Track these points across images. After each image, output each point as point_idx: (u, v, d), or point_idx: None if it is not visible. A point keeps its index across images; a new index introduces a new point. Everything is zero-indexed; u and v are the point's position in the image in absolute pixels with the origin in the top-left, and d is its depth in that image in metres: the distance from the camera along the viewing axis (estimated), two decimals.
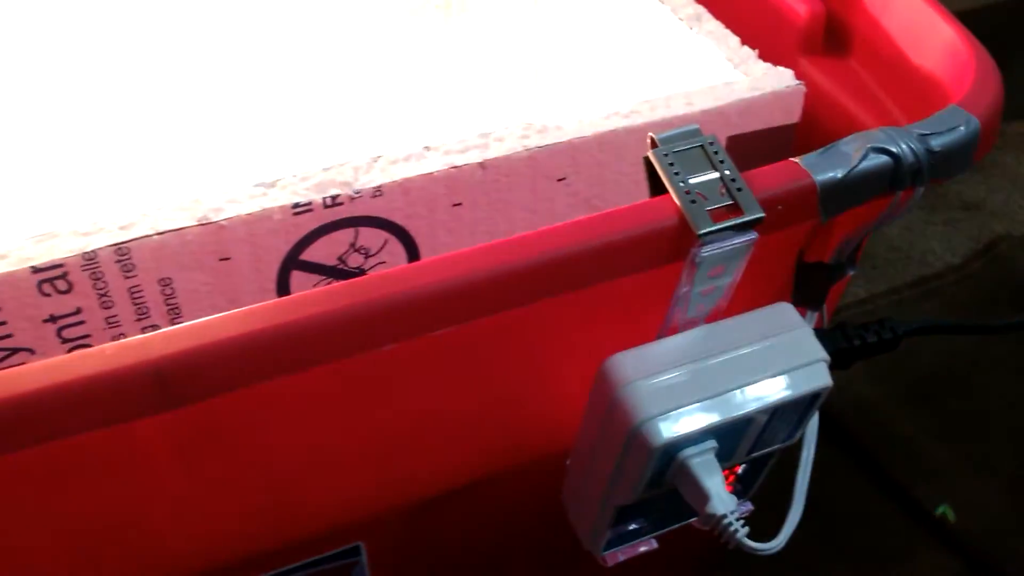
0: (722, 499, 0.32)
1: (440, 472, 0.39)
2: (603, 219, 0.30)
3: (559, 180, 0.40)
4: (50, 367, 0.27)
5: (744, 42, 0.46)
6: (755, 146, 0.42)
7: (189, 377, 0.27)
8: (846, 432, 0.70)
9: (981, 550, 0.64)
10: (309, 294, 0.27)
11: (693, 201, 0.30)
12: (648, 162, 0.32)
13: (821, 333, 0.36)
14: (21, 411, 0.27)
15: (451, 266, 0.28)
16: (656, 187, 0.32)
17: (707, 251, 0.30)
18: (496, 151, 0.39)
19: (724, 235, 0.30)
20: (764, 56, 0.45)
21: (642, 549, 0.41)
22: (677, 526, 0.40)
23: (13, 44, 0.55)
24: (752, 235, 0.31)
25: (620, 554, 0.40)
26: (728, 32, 0.46)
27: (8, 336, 0.35)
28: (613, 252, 0.30)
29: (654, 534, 0.40)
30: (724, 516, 0.32)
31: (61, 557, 0.35)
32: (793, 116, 0.42)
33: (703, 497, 0.32)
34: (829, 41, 0.46)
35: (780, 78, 0.42)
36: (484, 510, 0.43)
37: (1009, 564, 0.64)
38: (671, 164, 0.31)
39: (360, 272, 0.40)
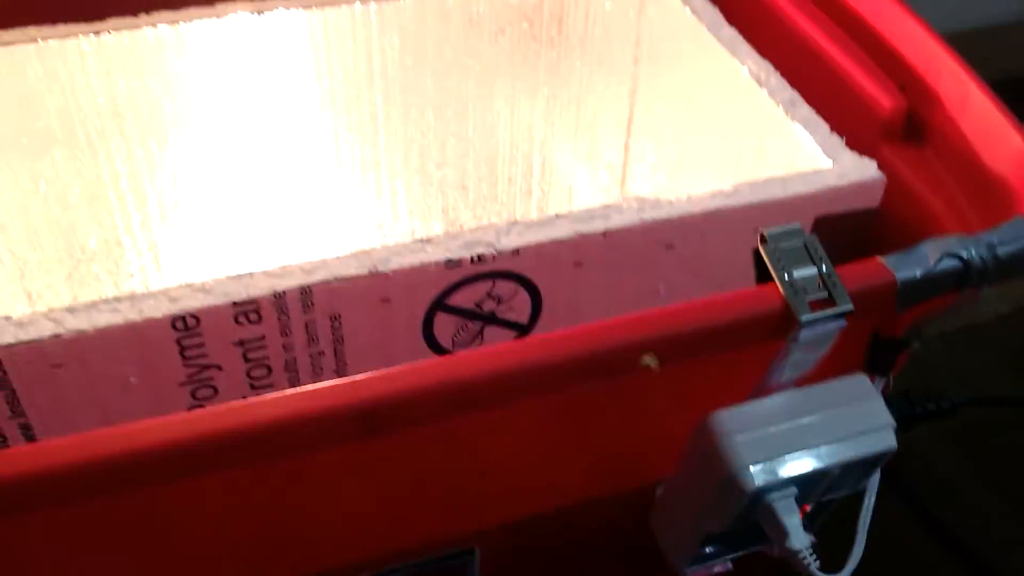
0: (799, 536, 0.39)
1: (550, 493, 0.46)
2: (720, 302, 0.37)
3: (668, 247, 0.47)
4: (272, 402, 0.34)
5: (832, 124, 0.52)
6: (839, 225, 0.48)
7: (388, 416, 0.34)
8: (891, 470, 0.76)
9: None
10: (493, 349, 0.34)
11: (796, 293, 0.36)
12: (757, 254, 0.38)
13: (889, 400, 0.42)
14: (250, 437, 0.34)
15: (604, 333, 0.35)
16: (762, 275, 0.38)
17: (805, 334, 0.37)
18: (616, 222, 0.45)
19: (820, 322, 0.36)
20: (849, 138, 0.51)
21: (717, 570, 0.47)
22: (748, 551, 0.47)
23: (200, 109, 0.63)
24: (842, 323, 0.37)
25: (698, 573, 0.47)
26: (819, 119, 0.52)
27: (205, 355, 0.42)
28: (727, 330, 0.36)
29: (729, 557, 0.47)
30: (800, 550, 0.39)
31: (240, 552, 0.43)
32: (874, 202, 0.48)
33: (783, 533, 0.39)
34: (909, 131, 0.52)
35: (865, 169, 0.48)
36: (582, 528, 0.49)
37: None
38: (778, 259, 0.37)
39: (492, 315, 0.46)
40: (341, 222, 0.68)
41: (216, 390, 0.44)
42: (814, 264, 0.37)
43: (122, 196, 0.64)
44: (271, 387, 0.45)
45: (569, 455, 0.44)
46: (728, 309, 0.36)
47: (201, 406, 0.44)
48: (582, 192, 0.77)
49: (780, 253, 0.37)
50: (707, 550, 0.46)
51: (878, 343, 0.44)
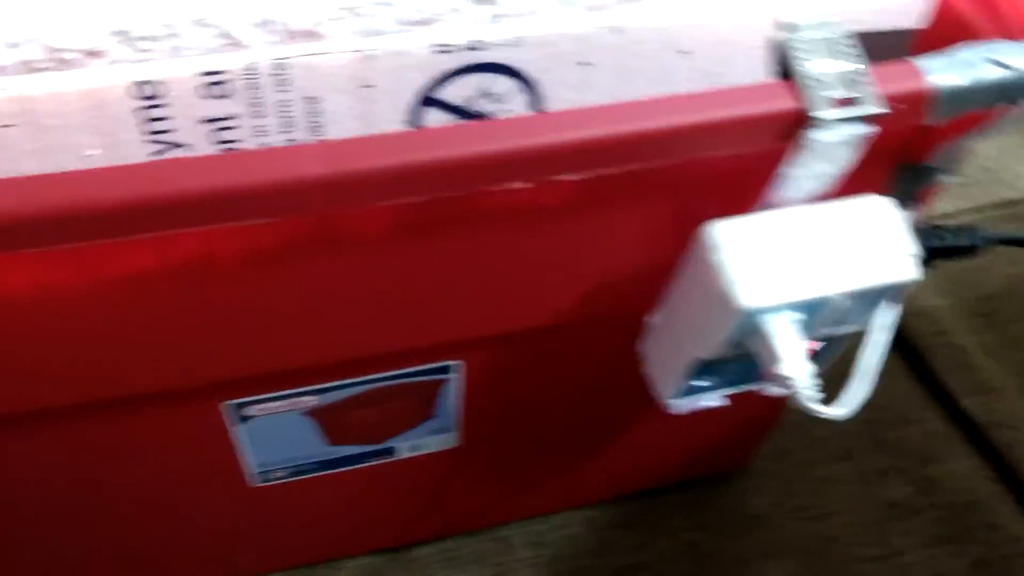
0: (794, 362, 0.36)
1: (534, 309, 0.43)
2: (724, 95, 0.33)
3: (682, 54, 0.42)
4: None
5: None
6: (874, 43, 0.44)
7: None
8: (906, 338, 0.73)
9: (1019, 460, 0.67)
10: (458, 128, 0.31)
11: (814, 86, 0.32)
12: (777, 45, 0.34)
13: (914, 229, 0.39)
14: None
15: (582, 120, 0.31)
16: (784, 72, 0.34)
17: (820, 136, 0.33)
18: (632, 19, 0.41)
19: (838, 124, 0.32)
20: None
21: (705, 404, 0.45)
22: (744, 388, 0.44)
23: None
24: (866, 129, 0.33)
25: (685, 405, 0.44)
26: None
27: (170, 131, 0.39)
28: (730, 126, 0.33)
29: (721, 391, 0.44)
30: (791, 377, 0.36)
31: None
32: (920, 21, 0.44)
33: (776, 359, 0.36)
34: None
35: None
36: (567, 349, 0.47)
37: None
38: (798, 48, 0.33)
39: (484, 117, 0.43)
40: None
41: None
42: (844, 60, 0.33)
43: None
44: None
45: (559, 267, 0.41)
46: (733, 100, 0.32)
47: None
48: None
49: (802, 43, 0.33)
50: (698, 383, 0.43)
51: (904, 168, 0.40)
